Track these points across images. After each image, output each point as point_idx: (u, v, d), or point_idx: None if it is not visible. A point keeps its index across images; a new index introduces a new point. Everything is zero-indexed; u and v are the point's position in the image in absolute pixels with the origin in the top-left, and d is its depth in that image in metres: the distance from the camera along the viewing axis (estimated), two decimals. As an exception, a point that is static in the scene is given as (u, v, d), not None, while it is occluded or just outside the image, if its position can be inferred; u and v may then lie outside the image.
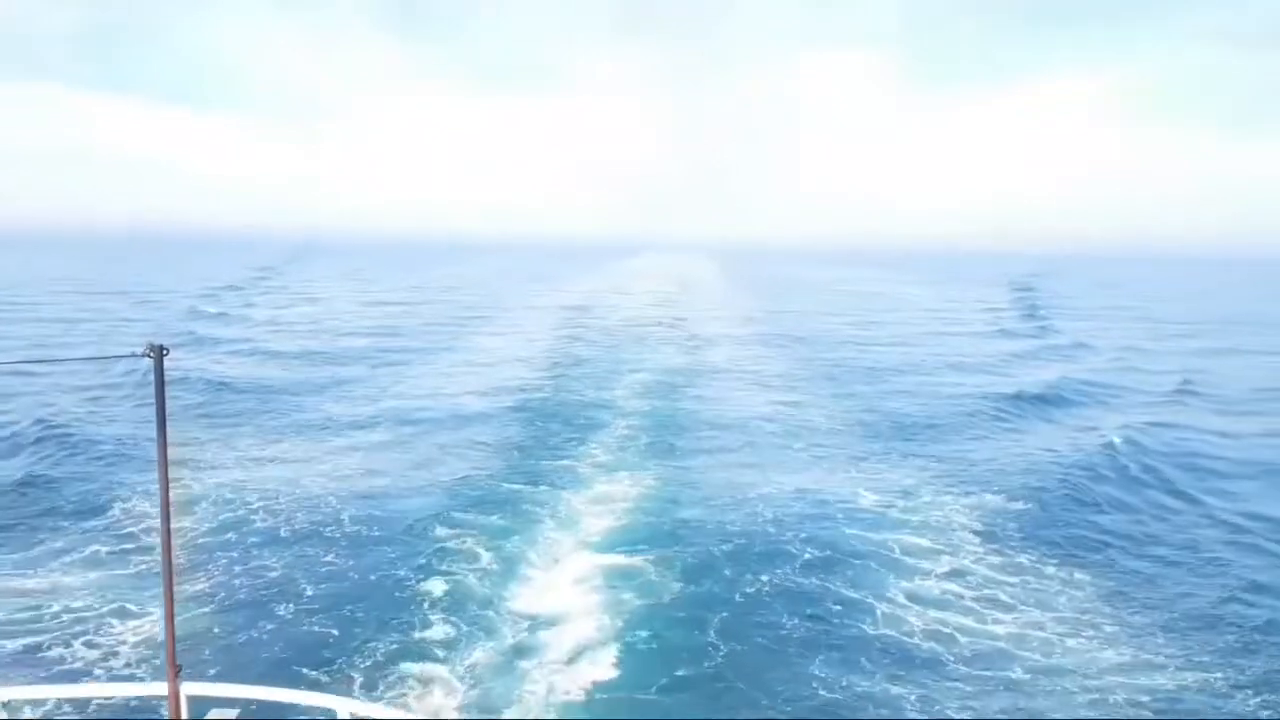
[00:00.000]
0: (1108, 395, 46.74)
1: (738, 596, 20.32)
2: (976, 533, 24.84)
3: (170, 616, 7.65)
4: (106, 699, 13.69)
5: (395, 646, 17.54)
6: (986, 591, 20.95)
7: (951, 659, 17.77)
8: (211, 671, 16.36)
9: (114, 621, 18.37)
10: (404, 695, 15.88)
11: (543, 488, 27.75)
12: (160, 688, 7.98)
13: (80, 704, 13.86)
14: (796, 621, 19.21)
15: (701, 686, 16.67)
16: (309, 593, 20.07)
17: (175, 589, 18.28)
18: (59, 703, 13.18)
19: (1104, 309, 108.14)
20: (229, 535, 23.54)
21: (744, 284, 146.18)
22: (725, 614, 19.36)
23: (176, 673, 7.83)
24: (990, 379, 51.66)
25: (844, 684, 16.77)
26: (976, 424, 39.25)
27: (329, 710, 8.38)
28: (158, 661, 15.67)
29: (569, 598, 19.84)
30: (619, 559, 22.07)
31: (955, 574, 21.91)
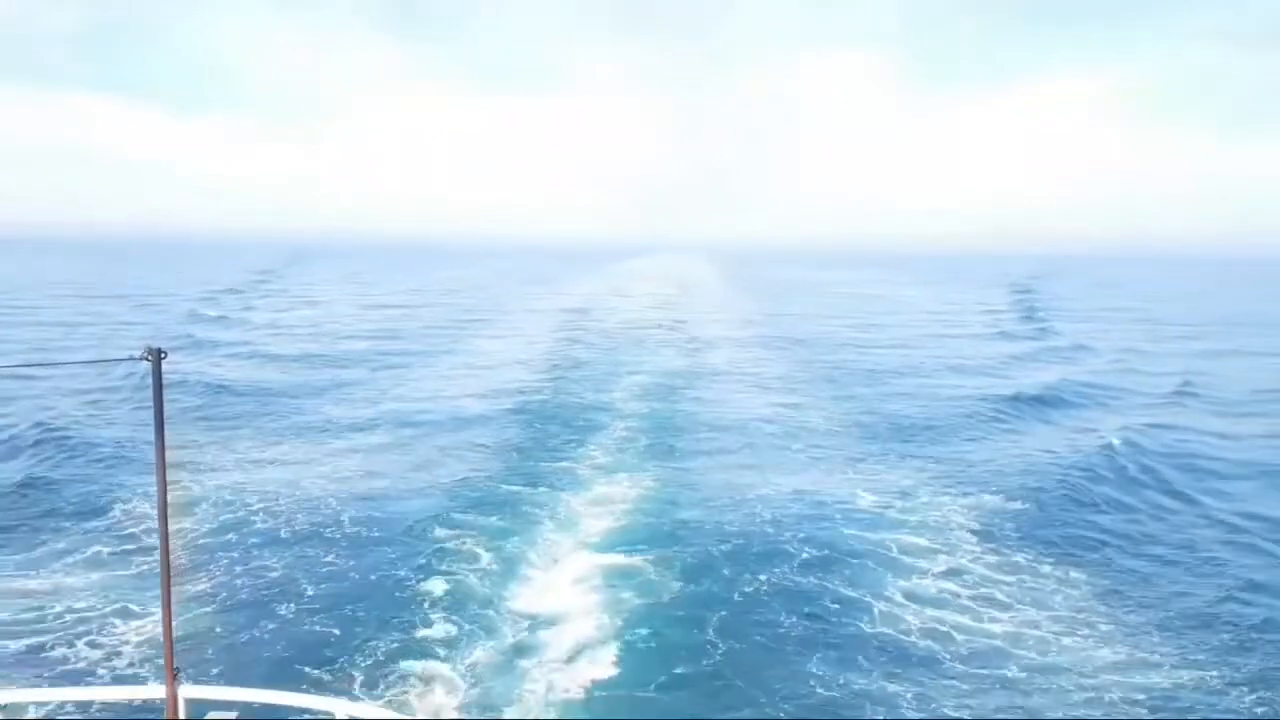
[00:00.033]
0: (1107, 397, 46.79)
1: (736, 596, 20.43)
2: (974, 532, 24.95)
3: (168, 620, 7.68)
4: (106, 702, 13.76)
5: (396, 645, 17.66)
6: (983, 590, 21.05)
7: (948, 657, 17.88)
8: (214, 671, 16.51)
9: (117, 622, 18.49)
10: (405, 694, 15.99)
11: (542, 489, 27.85)
12: (159, 690, 8.01)
13: (80, 706, 13.91)
14: (794, 620, 19.32)
15: (700, 685, 16.78)
16: (310, 593, 20.19)
17: (177, 589, 18.39)
18: (59, 705, 13.22)
19: (1103, 310, 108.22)
20: (229, 536, 23.65)
21: (743, 286, 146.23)
22: (724, 613, 19.47)
23: (175, 675, 7.88)
24: (989, 381, 51.72)
25: (841, 682, 16.88)
26: (975, 425, 39.31)
27: (327, 712, 8.43)
28: (160, 661, 15.75)
29: (568, 597, 19.96)
30: (618, 559, 22.19)
31: (952, 573, 22.02)
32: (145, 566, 21.36)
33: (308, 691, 15.60)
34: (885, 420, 39.99)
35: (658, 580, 21.05)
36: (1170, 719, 15.93)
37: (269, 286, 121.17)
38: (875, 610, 19.86)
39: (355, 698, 15.58)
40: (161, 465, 7.20)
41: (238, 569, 21.48)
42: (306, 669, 16.82)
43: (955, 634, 18.81)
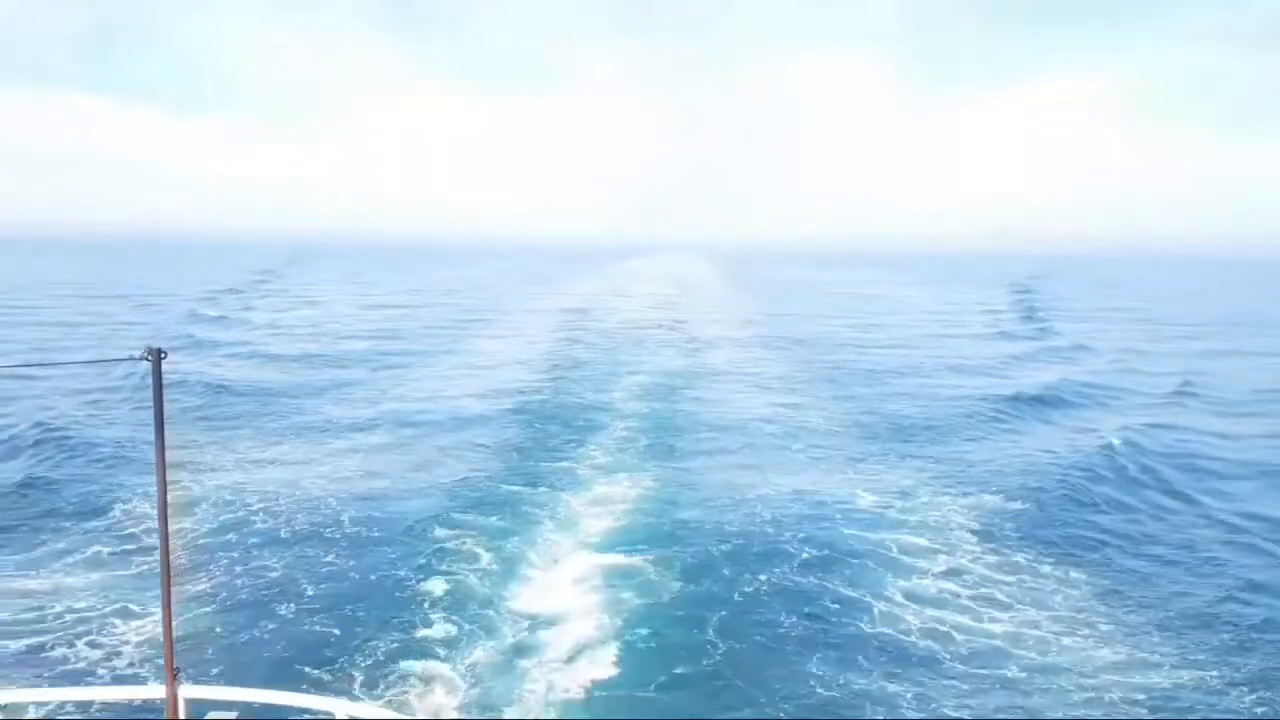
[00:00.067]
0: (1107, 397, 46.80)
1: (736, 595, 20.44)
2: (974, 532, 24.96)
3: (168, 620, 7.67)
4: (105, 702, 13.77)
5: (396, 645, 17.67)
6: (983, 590, 21.06)
7: (948, 657, 17.89)
8: (215, 670, 16.53)
9: (117, 621, 18.50)
10: (405, 693, 16.01)
11: (542, 489, 27.86)
12: (159, 690, 8.01)
13: (80, 706, 13.91)
14: (794, 620, 19.34)
15: (700, 684, 16.80)
16: (310, 592, 20.21)
17: (177, 589, 18.40)
18: (58, 705, 13.20)
19: (1103, 310, 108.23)
20: (229, 536, 23.67)
21: (743, 286, 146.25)
22: (724, 613, 19.49)
23: (175, 676, 7.88)
24: (989, 381, 51.74)
25: (841, 682, 16.89)
26: (975, 425, 39.32)
27: (327, 712, 8.43)
28: (161, 661, 15.78)
29: (569, 597, 19.98)
30: (618, 559, 22.21)
31: (952, 573, 22.03)
32: (145, 566, 21.38)
33: (308, 692, 15.64)
34: (885, 420, 40.00)
35: (658, 580, 21.07)
36: (1170, 719, 15.94)
37: (269, 286, 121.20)
38: (875, 610, 19.88)
39: (355, 697, 15.59)
40: (161, 465, 7.20)
41: (238, 569, 21.50)
42: (307, 669, 16.84)
43: (955, 634, 18.83)
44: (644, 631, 18.49)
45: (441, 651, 17.47)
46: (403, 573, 21.18)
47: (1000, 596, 20.72)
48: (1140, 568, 22.96)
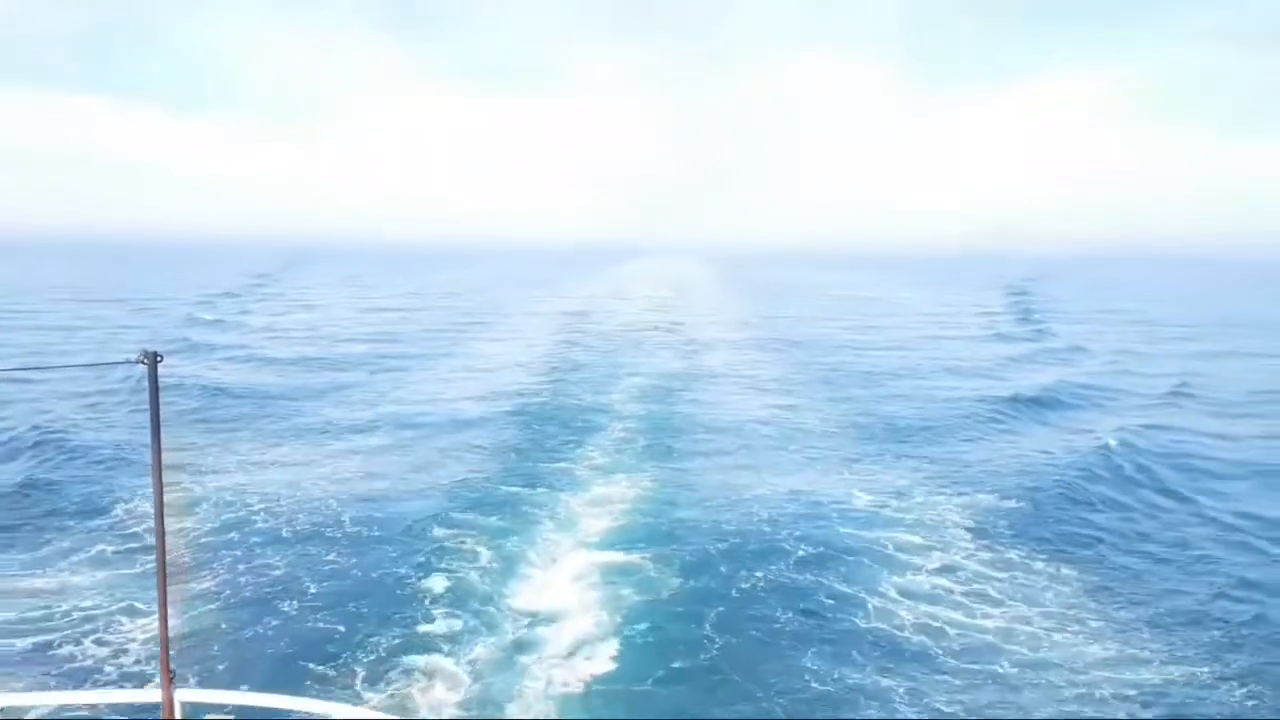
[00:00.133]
0: (1103, 398, 46.96)
1: (733, 592, 20.70)
2: (968, 530, 25.21)
3: (164, 625, 7.75)
4: (102, 704, 13.87)
5: (398, 641, 17.92)
6: (976, 586, 21.31)
7: (941, 652, 18.13)
8: (220, 667, 16.78)
9: (123, 619, 18.75)
10: (408, 689, 16.23)
11: (541, 490, 28.09)
12: (155, 694, 8.06)
13: (76, 709, 13.98)
14: (790, 616, 19.60)
15: (697, 679, 17.04)
16: (313, 590, 20.44)
17: (180, 588, 18.60)
18: (55, 708, 13.25)
19: (1100, 312, 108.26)
20: (231, 535, 23.93)
21: (741, 288, 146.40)
22: (721, 608, 19.74)
23: (171, 679, 7.94)
24: (986, 382, 51.91)
25: (835, 676, 17.14)
26: (971, 426, 39.52)
27: (325, 715, 8.58)
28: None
29: (568, 595, 20.23)
30: (617, 557, 22.46)
31: (946, 569, 22.29)
32: (149, 565, 21.59)
33: (307, 694, 15.86)
34: (881, 421, 40.21)
35: (656, 578, 21.32)
36: (1160, 714, 16.15)
37: (265, 290, 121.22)
38: (870, 606, 20.13)
39: (358, 698, 15.83)
40: (158, 468, 7.26)
41: (240, 567, 21.75)
42: (311, 665, 17.08)
43: (948, 629, 19.08)
44: (642, 627, 18.74)
45: (443, 647, 17.72)
46: (404, 571, 21.43)
47: (993, 593, 20.97)
48: (1132, 565, 23.20)
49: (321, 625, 18.78)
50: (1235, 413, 43.80)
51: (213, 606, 19.47)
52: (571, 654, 17.61)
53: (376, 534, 24.15)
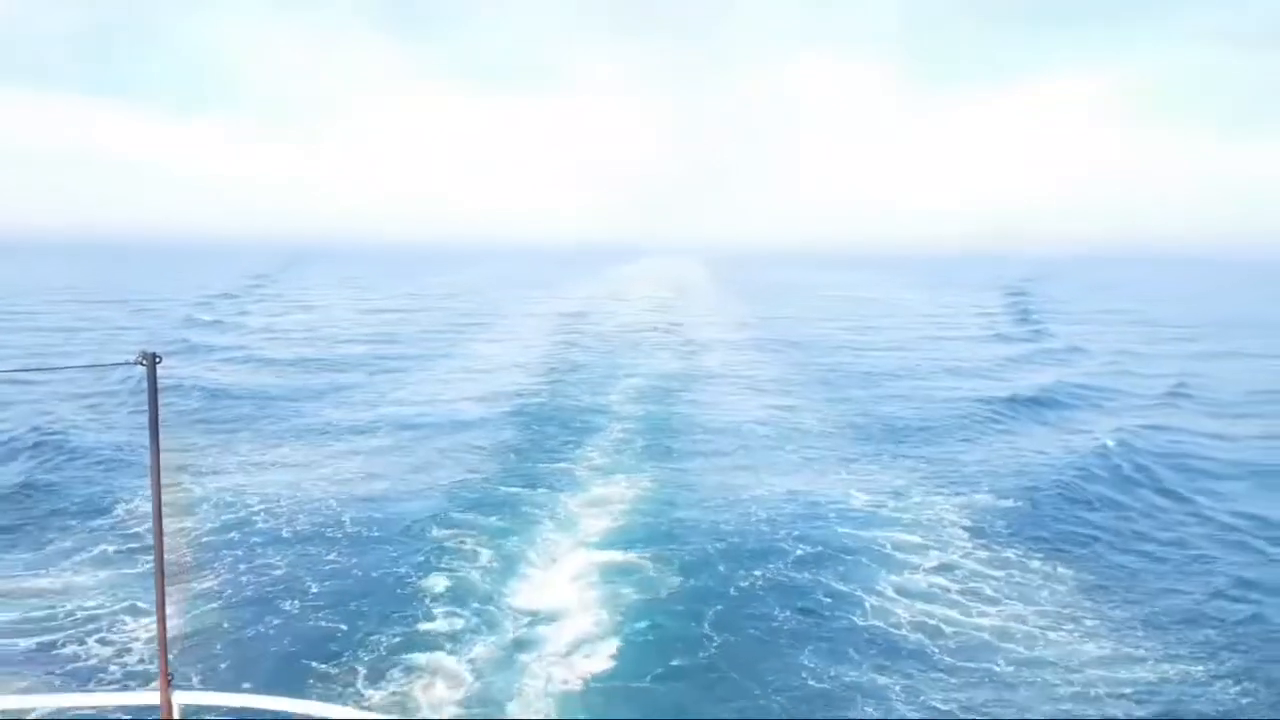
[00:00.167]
0: (1102, 398, 47.05)
1: (731, 591, 20.84)
2: (965, 529, 25.35)
3: (162, 624, 7.74)
4: (100, 707, 13.95)
5: (400, 640, 18.04)
6: (972, 585, 21.44)
7: (937, 650, 18.27)
8: (223, 666, 16.90)
9: (126, 619, 18.87)
10: (409, 686, 16.36)
11: (541, 490, 28.21)
12: (153, 697, 8.07)
13: (74, 712, 14.02)
14: (788, 614, 19.74)
15: (696, 676, 17.18)
16: (314, 590, 20.56)
17: (181, 588, 18.70)
18: (53, 711, 13.32)
19: (1099, 312, 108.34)
20: (232, 534, 24.05)
21: (740, 289, 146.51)
22: (719, 607, 19.88)
23: (169, 681, 7.92)
24: (985, 383, 52.02)
25: (832, 674, 17.28)
26: (970, 427, 39.62)
27: (323, 716, 8.61)
28: (169, 656, 16.08)
29: (568, 593, 20.38)
30: (616, 556, 22.59)
31: (943, 568, 22.44)
32: (151, 565, 21.69)
33: (309, 692, 15.99)
34: (880, 422, 40.33)
35: (655, 577, 21.46)
36: (1155, 712, 16.26)
37: (263, 291, 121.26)
38: (867, 604, 20.27)
39: (360, 697, 15.95)
40: (156, 470, 7.25)
41: (242, 566, 21.88)
42: (313, 664, 17.19)
43: (944, 627, 19.21)
44: (641, 625, 18.88)
45: (444, 646, 17.84)
46: (404, 570, 21.55)
47: (989, 591, 21.10)
48: (1129, 564, 23.33)
49: (323, 624, 18.90)
50: (1234, 413, 43.86)
51: (214, 606, 19.60)
52: (571, 652, 17.75)
53: (377, 534, 24.27)
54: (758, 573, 21.77)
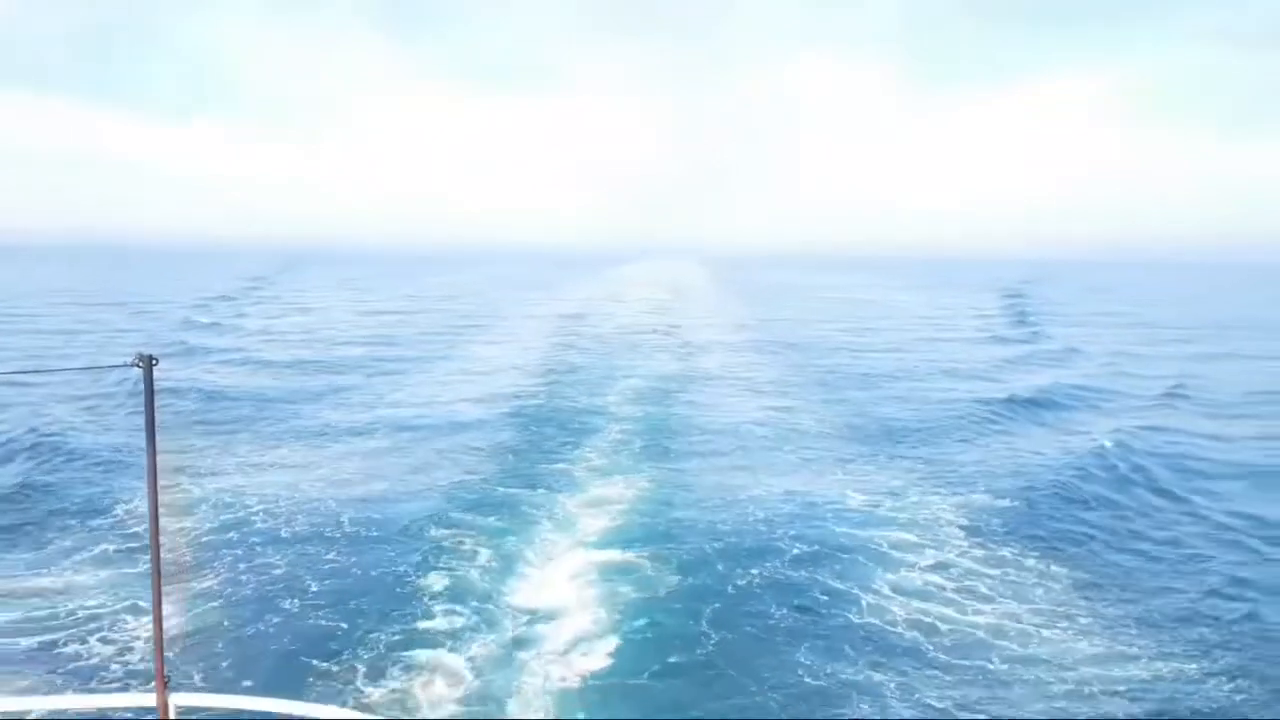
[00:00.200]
0: (1099, 399, 47.17)
1: (729, 589, 20.94)
2: (962, 528, 25.45)
3: (158, 625, 7.73)
4: (98, 708, 14.02)
5: (399, 638, 18.12)
6: (968, 583, 21.55)
7: (932, 648, 18.38)
8: (224, 664, 17.01)
9: (128, 618, 18.95)
10: (409, 684, 16.45)
11: (539, 490, 28.30)
12: (150, 698, 8.08)
13: (70, 713, 13.95)
14: (785, 612, 19.85)
15: (693, 674, 17.28)
16: (313, 589, 20.65)
17: (181, 588, 18.81)
18: (50, 712, 13.39)
19: (1096, 314, 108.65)
20: (231, 535, 24.12)
21: (738, 290, 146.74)
22: (717, 605, 19.98)
23: (166, 683, 7.95)
24: (982, 384, 52.13)
25: (829, 671, 17.38)
26: (967, 428, 39.71)
27: (321, 717, 8.74)
28: (170, 654, 16.17)
29: (566, 592, 20.47)
30: (614, 556, 22.70)
31: (939, 567, 22.55)
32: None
33: (309, 690, 16.10)
34: (877, 423, 40.46)
35: (653, 575, 21.56)
36: (1148, 709, 16.36)
37: (261, 293, 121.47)
38: (863, 602, 20.38)
39: (360, 694, 16.06)
40: (153, 471, 7.23)
41: (241, 566, 21.96)
42: (313, 662, 17.28)
43: (940, 625, 19.31)
44: (639, 624, 18.98)
45: (444, 644, 17.92)
46: (403, 569, 21.62)
47: (984, 589, 21.21)
48: (1123, 562, 23.43)
49: (323, 622, 18.98)
50: (1230, 414, 43.98)
51: (214, 605, 19.68)
52: (570, 650, 17.84)
53: (375, 534, 24.35)
54: (755, 571, 21.88)
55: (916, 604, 20.34)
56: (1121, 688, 16.98)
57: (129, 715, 11.37)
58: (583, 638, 18.32)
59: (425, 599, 19.97)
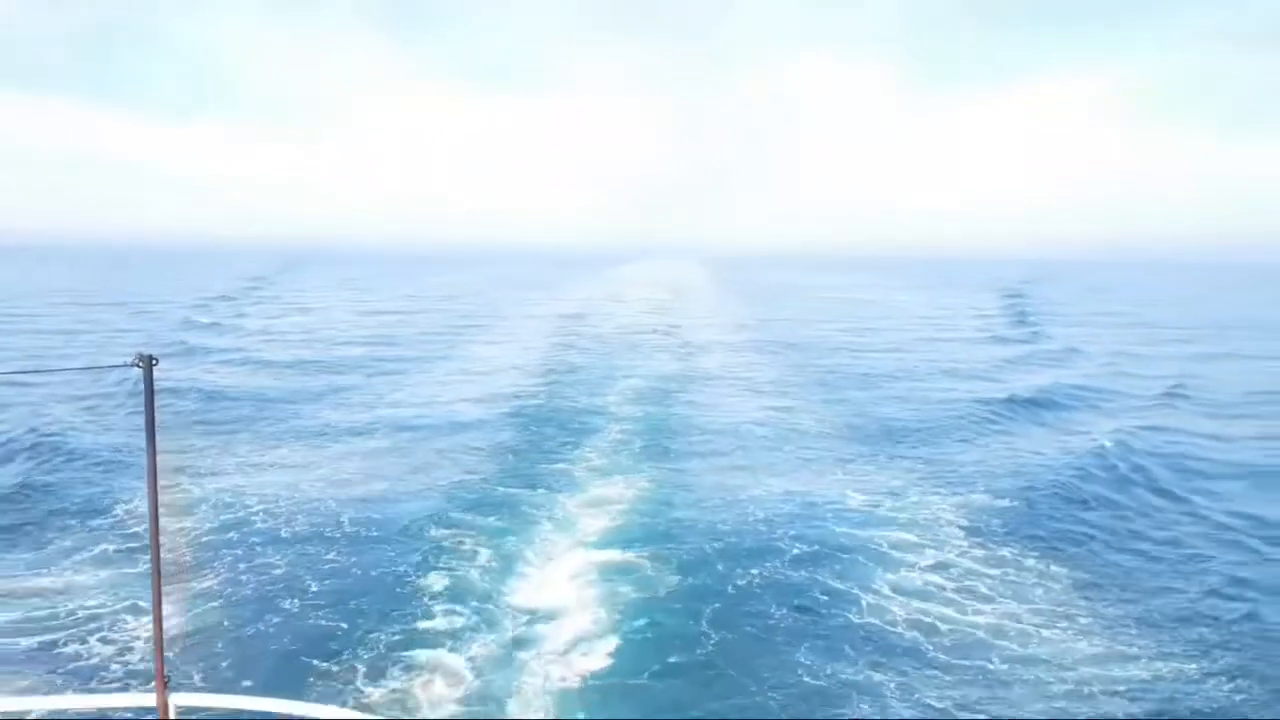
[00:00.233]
0: (1099, 399, 47.16)
1: (729, 589, 20.95)
2: (962, 528, 25.46)
3: (158, 626, 7.72)
4: (97, 709, 14.00)
5: (399, 638, 18.12)
6: (967, 583, 21.56)
7: (931, 648, 18.39)
8: (224, 663, 17.02)
9: (128, 618, 18.96)
10: (409, 684, 16.46)
11: (539, 490, 28.31)
12: (149, 698, 8.07)
13: (70, 713, 13.91)
14: (784, 612, 19.86)
15: (693, 673, 17.28)
16: (313, 589, 20.66)
17: (180, 588, 18.80)
18: (49, 713, 13.38)
19: (1096, 314, 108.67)
20: (231, 535, 24.14)
21: (737, 290, 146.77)
22: (717, 605, 19.99)
23: (165, 683, 7.93)
24: (982, 384, 52.13)
25: (828, 671, 17.38)
26: (967, 428, 39.70)
27: (319, 717, 8.73)
28: (169, 655, 16.18)
29: (566, 592, 20.48)
30: (614, 556, 22.71)
31: (939, 566, 22.56)
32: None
33: (309, 690, 16.11)
34: (877, 423, 40.45)
35: (653, 575, 21.57)
36: (1147, 708, 16.36)
37: (261, 293, 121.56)
38: (863, 602, 20.39)
39: (360, 694, 16.07)
40: (153, 471, 7.21)
41: (241, 566, 21.97)
42: (314, 662, 17.28)
43: (940, 625, 19.32)
44: (639, 623, 18.99)
45: (443, 643, 17.93)
46: (403, 569, 21.64)
47: (984, 589, 21.21)
48: (1123, 562, 23.43)
49: (323, 622, 18.99)
50: (1230, 414, 43.97)
51: (215, 605, 19.69)
52: (570, 650, 17.84)
53: (376, 534, 24.36)
54: (755, 571, 21.89)
55: (916, 604, 20.35)
56: (1121, 688, 16.98)
57: (129, 715, 11.33)
58: (583, 638, 18.34)
59: (425, 599, 19.98)
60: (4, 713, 9.91)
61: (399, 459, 32.74)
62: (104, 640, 18.06)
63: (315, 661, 17.27)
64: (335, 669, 16.96)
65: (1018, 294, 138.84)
